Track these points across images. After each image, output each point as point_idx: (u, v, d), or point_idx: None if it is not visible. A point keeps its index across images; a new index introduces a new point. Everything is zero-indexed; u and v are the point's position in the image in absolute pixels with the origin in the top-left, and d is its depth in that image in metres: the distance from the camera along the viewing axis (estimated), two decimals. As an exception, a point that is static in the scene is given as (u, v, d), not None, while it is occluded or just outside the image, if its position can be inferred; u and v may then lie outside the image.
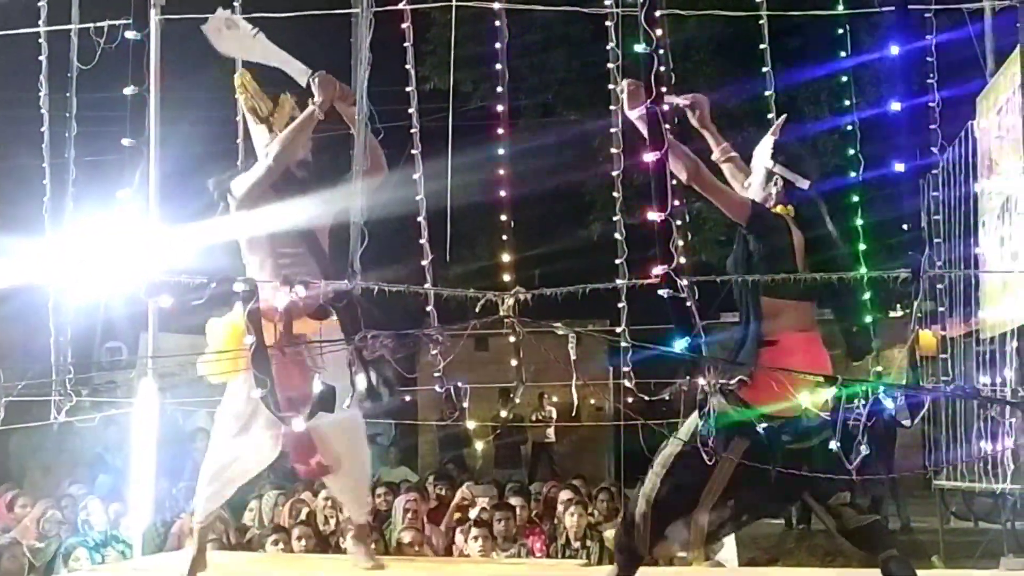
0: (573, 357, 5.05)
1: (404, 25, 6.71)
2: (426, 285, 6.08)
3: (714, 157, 6.02)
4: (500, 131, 7.42)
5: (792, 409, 5.31)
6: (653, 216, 5.25)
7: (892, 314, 18.05)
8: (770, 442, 5.26)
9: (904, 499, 15.37)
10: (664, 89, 6.02)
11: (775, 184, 5.77)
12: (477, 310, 5.66)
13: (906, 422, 5.32)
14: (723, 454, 5.32)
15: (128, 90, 7.16)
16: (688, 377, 5.62)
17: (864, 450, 5.30)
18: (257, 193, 6.21)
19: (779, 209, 5.69)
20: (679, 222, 6.27)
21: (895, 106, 5.98)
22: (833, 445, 5.38)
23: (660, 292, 5.22)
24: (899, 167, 5.92)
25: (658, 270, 5.29)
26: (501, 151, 6.77)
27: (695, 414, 5.53)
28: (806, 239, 5.63)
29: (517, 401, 6.88)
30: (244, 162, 6.83)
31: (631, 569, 5.71)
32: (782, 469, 5.26)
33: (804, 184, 5.75)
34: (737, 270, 5.62)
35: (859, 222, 6.45)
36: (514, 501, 10.17)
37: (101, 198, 8.04)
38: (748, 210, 5.65)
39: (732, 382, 5.28)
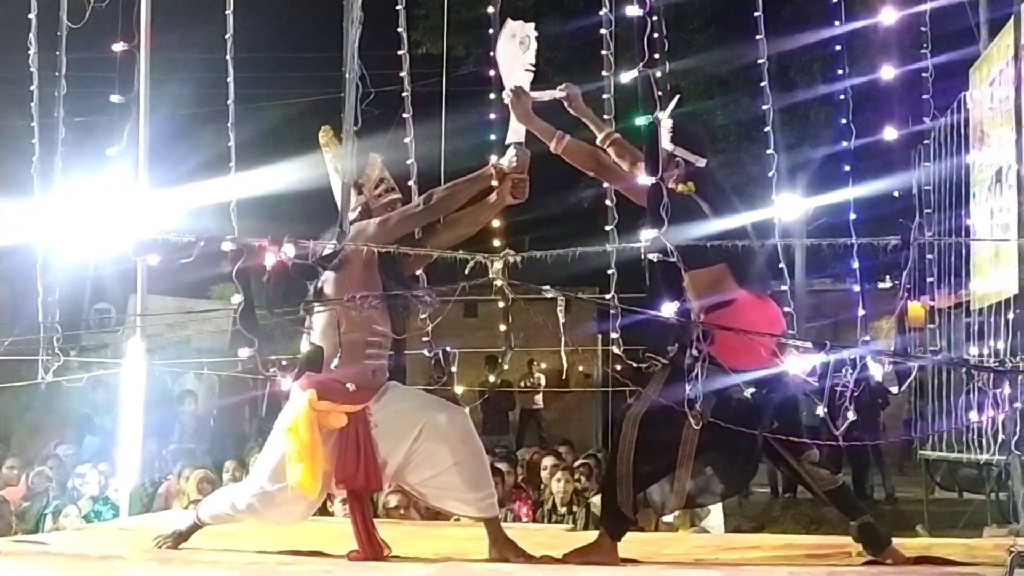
0: (562, 320, 5.05)
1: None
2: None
3: (598, 142, 6.03)
4: (492, 96, 7.42)
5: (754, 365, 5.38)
6: (644, 181, 5.24)
7: (881, 285, 18.16)
8: (738, 400, 5.33)
9: (889, 469, 15.45)
10: (656, 56, 6.03)
11: (676, 165, 5.77)
12: (467, 272, 5.65)
13: (894, 389, 5.34)
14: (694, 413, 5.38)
15: (117, 46, 7.11)
16: (676, 343, 5.65)
17: (851, 415, 5.33)
18: (387, 237, 6.00)
19: (681, 188, 5.70)
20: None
21: (887, 72, 5.96)
22: (820, 411, 5.41)
23: (650, 256, 5.23)
24: (890, 133, 5.88)
25: (648, 234, 5.31)
26: (493, 116, 6.74)
27: (659, 373, 5.59)
28: (713, 210, 5.63)
29: (506, 367, 6.88)
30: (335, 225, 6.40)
31: (620, 531, 5.72)
32: (747, 429, 5.32)
33: (701, 162, 5.77)
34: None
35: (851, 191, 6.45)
36: (501, 467, 10.19)
37: (90, 159, 8.02)
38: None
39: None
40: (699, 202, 5.63)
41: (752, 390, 5.34)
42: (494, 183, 5.99)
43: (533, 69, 6.05)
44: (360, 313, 5.68)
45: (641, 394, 5.67)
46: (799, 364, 5.42)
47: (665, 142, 5.73)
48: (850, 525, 5.67)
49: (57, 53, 7.48)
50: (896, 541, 5.98)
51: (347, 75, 5.61)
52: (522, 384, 19.88)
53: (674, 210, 5.45)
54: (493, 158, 6.06)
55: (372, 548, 5.87)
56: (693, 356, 5.24)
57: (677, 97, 5.96)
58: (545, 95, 6.01)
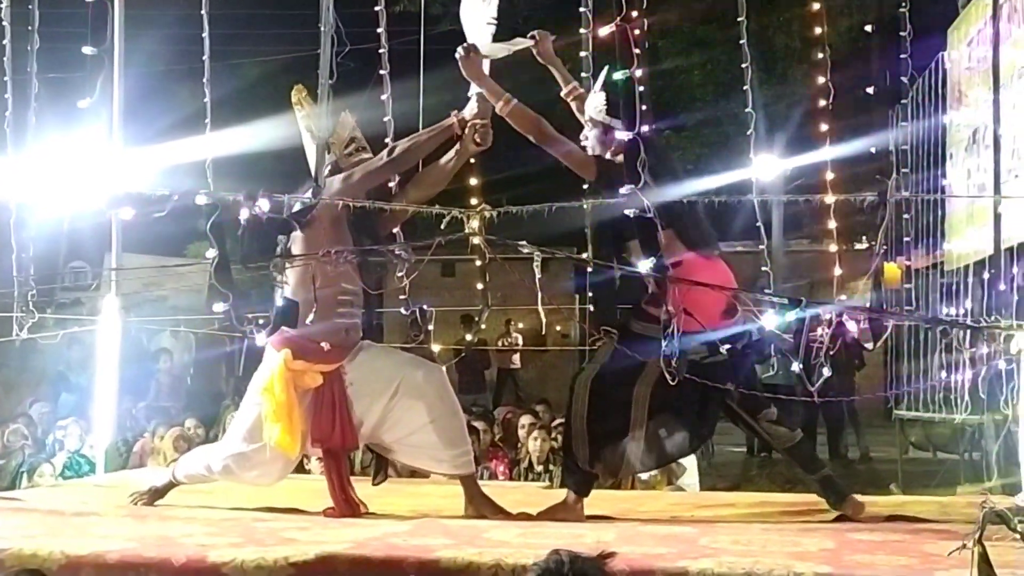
0: (538, 276, 5.03)
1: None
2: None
3: (563, 94, 6.02)
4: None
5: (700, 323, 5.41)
6: (621, 136, 5.22)
7: (857, 246, 18.21)
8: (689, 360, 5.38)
9: (864, 429, 15.52)
10: (634, 13, 6.00)
11: (611, 135, 5.75)
12: (442, 227, 5.63)
13: (869, 345, 5.36)
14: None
15: (90, -4, 7.03)
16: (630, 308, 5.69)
17: (826, 372, 5.36)
18: (352, 192, 5.92)
19: (620, 159, 5.68)
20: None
21: (866, 32, 5.95)
22: (796, 366, 5.44)
23: (626, 212, 5.21)
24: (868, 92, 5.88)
25: (625, 189, 5.30)
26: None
27: (608, 337, 5.63)
28: (653, 178, 5.61)
29: (483, 326, 6.87)
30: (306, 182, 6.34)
31: (583, 489, 5.75)
32: (696, 378, 5.36)
33: (627, 135, 5.73)
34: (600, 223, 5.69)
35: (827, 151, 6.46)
36: (477, 425, 10.20)
37: (64, 115, 7.94)
38: (594, 166, 5.74)
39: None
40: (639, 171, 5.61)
41: (705, 352, 5.40)
42: (458, 132, 5.98)
43: (495, 23, 6.01)
44: (334, 269, 5.66)
45: (593, 357, 5.75)
46: (774, 321, 5.44)
47: (597, 113, 5.74)
48: (810, 480, 5.77)
49: (30, 7, 7.39)
50: (870, 499, 6.04)
51: (322, 28, 5.57)
52: (500, 343, 19.89)
53: (611, 181, 5.49)
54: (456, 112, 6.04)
55: (348, 506, 5.88)
56: (668, 312, 5.25)
57: (606, 68, 5.95)
58: (518, 44, 5.97)
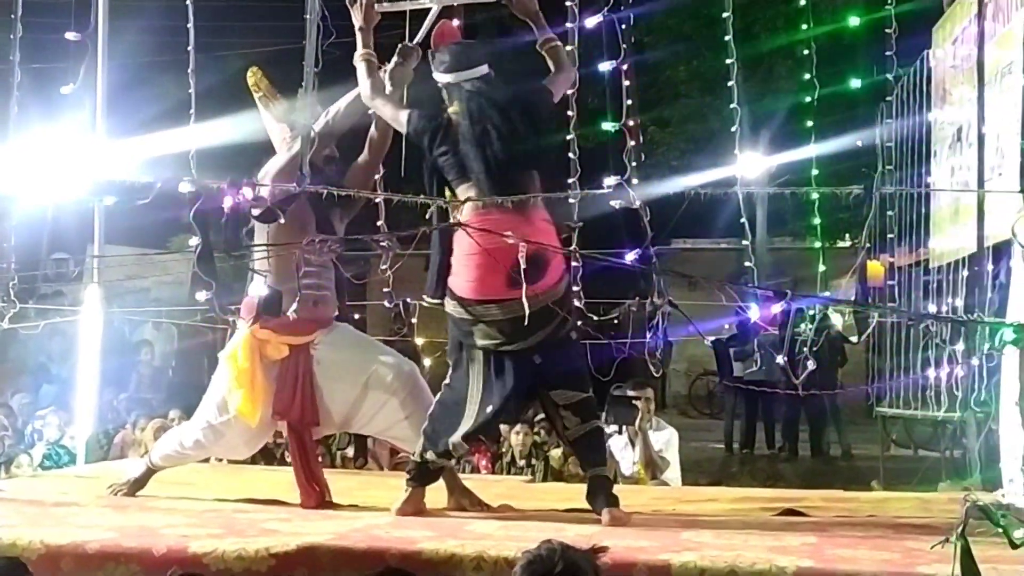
0: (523, 267, 5.01)
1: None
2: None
3: (538, 45, 5.91)
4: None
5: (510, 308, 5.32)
6: (607, 127, 5.21)
7: (841, 244, 18.25)
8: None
9: (846, 426, 15.56)
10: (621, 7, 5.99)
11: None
12: (427, 216, 5.61)
13: (853, 338, 5.36)
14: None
15: (74, -17, 7.00)
16: (637, 296, 5.65)
17: (811, 365, 5.35)
18: (292, 167, 5.88)
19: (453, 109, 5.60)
20: (633, 142, 6.27)
21: (851, 28, 5.96)
22: (780, 359, 5.44)
23: (612, 204, 5.21)
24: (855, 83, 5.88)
25: (611, 180, 5.29)
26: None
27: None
28: (478, 130, 5.48)
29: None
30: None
31: (423, 479, 5.65)
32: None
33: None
34: (431, 174, 5.61)
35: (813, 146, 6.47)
36: (461, 419, 10.20)
37: (47, 105, 7.90)
38: (407, 125, 5.64)
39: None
40: (459, 120, 5.56)
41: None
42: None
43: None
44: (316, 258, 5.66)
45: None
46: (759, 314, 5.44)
47: (441, 76, 5.68)
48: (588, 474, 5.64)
49: (12, -4, 7.35)
50: (852, 495, 6.04)
51: (308, 17, 5.55)
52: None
53: (430, 135, 5.52)
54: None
55: (311, 490, 5.88)
56: (654, 304, 5.24)
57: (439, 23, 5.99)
58: None
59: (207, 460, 7.14)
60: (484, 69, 5.61)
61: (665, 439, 8.34)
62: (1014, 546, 3.69)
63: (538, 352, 5.42)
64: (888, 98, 9.66)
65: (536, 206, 5.44)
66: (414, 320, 6.96)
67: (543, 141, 5.61)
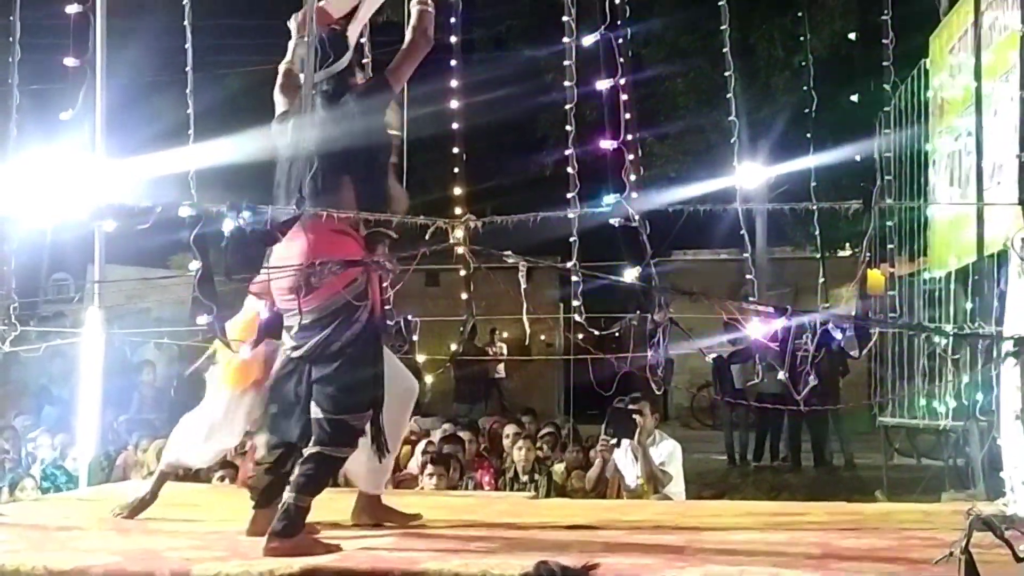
0: (524, 286, 5.02)
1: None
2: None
3: (413, 3, 5.97)
4: (453, 63, 7.36)
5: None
6: (606, 145, 5.22)
7: (841, 253, 18.24)
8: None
9: (848, 436, 15.55)
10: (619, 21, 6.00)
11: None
12: (427, 237, 5.61)
13: (854, 353, 5.36)
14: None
15: (71, 8, 7.00)
16: (638, 311, 5.64)
17: (812, 380, 5.34)
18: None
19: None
20: (631, 156, 6.27)
21: (848, 40, 5.97)
22: (781, 375, 5.43)
23: (611, 221, 5.21)
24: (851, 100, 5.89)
25: (610, 199, 5.30)
26: (454, 84, 6.70)
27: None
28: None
29: (466, 336, 6.86)
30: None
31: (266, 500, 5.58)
32: None
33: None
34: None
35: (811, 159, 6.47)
36: (463, 435, 10.19)
37: (46, 127, 7.91)
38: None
39: None
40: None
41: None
42: None
43: None
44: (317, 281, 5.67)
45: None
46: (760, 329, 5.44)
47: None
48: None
49: (11, 18, 7.36)
50: (855, 506, 6.03)
51: (306, 39, 5.56)
52: (488, 352, 19.94)
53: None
54: None
55: None
56: (654, 322, 5.24)
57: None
58: None
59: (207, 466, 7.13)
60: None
61: (667, 452, 8.33)
62: (1019, 559, 3.69)
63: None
64: (886, 108, 9.67)
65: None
66: (415, 337, 6.95)
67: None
